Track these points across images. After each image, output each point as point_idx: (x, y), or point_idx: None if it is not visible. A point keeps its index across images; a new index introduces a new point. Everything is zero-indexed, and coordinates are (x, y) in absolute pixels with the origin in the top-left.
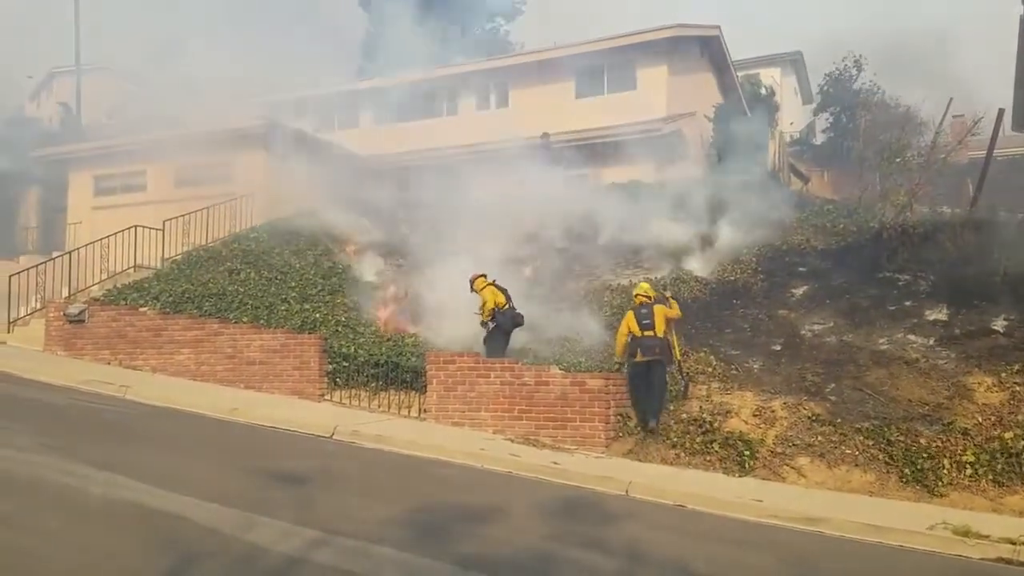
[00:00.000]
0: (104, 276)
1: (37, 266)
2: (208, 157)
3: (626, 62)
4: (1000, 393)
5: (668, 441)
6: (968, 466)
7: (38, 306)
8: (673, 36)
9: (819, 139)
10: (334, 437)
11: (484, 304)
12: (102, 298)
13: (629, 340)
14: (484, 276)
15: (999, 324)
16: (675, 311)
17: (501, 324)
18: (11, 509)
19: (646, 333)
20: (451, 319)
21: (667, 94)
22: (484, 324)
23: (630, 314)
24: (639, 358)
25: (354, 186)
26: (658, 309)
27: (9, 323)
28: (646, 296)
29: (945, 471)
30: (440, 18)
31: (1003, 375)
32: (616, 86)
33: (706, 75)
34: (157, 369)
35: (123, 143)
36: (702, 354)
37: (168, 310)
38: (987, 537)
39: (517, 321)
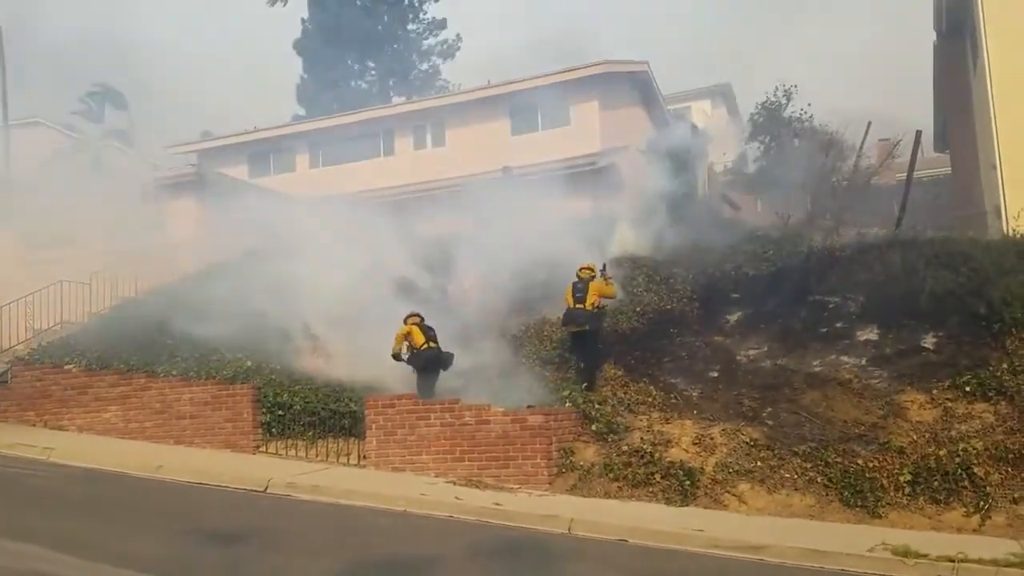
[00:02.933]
0: (29, 335)
1: None
2: (140, 207)
3: (559, 99)
4: (933, 410)
5: (610, 474)
6: (906, 485)
7: None
8: (603, 72)
9: (751, 168)
10: (268, 491)
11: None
12: (27, 357)
13: (565, 311)
14: (416, 315)
15: (928, 342)
16: (609, 289)
17: (412, 362)
18: None
19: (577, 306)
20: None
21: (600, 129)
22: (395, 356)
23: (569, 285)
24: (568, 328)
25: (289, 230)
26: (592, 285)
27: None
28: (589, 270)
29: (883, 491)
30: (376, 60)
31: (935, 392)
32: (550, 122)
33: (637, 109)
34: (83, 428)
35: (49, 196)
36: (642, 384)
37: (94, 366)
38: (926, 556)
39: (441, 363)
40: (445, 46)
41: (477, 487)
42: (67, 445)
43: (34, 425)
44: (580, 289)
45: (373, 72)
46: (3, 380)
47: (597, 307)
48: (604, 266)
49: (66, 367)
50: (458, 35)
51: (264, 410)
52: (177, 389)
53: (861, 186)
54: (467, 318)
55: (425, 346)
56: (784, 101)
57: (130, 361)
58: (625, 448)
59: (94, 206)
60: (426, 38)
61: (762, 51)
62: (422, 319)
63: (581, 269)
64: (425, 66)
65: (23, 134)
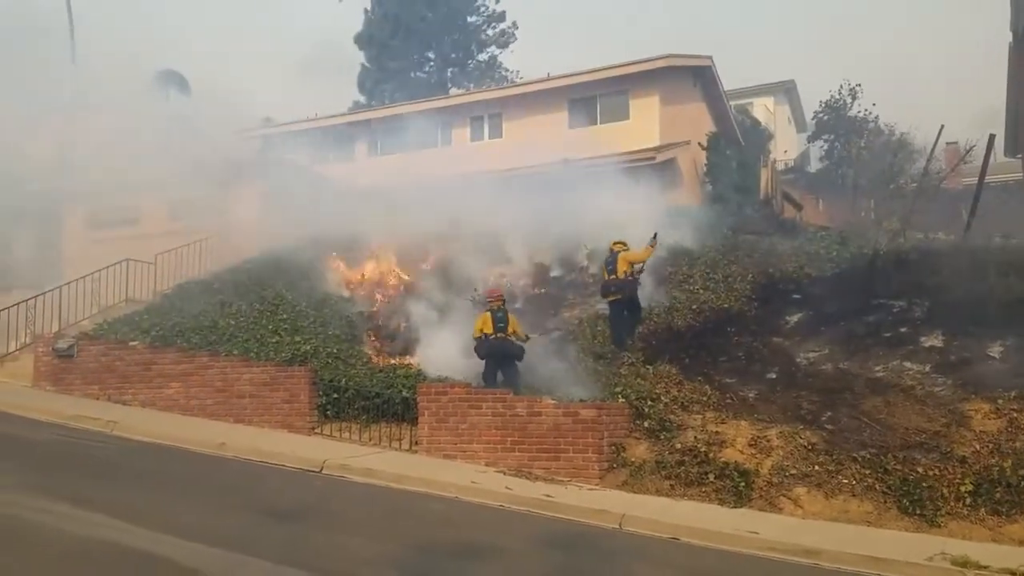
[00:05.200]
0: (95, 310)
1: (27, 300)
2: (202, 190)
3: (619, 92)
4: (997, 420)
5: (663, 472)
6: (967, 495)
7: (28, 341)
8: (665, 66)
9: (814, 167)
10: (323, 471)
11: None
12: (92, 332)
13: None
14: (495, 299)
15: (995, 350)
16: (638, 254)
17: (477, 351)
18: None
19: (609, 277)
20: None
21: (660, 123)
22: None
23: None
24: (605, 299)
25: (348, 217)
26: (621, 257)
27: None
28: (621, 244)
29: (943, 500)
30: (435, 50)
31: (1000, 402)
32: (609, 116)
33: (699, 104)
34: (146, 403)
35: (117, 178)
36: (696, 382)
37: (158, 343)
38: (986, 568)
39: (494, 350)
40: (503, 36)
41: (527, 478)
42: (130, 419)
43: (98, 399)
44: (610, 262)
45: (432, 63)
46: (69, 354)
47: (629, 275)
48: (655, 235)
49: (131, 343)
50: (514, 23)
51: (320, 392)
52: (238, 369)
53: (930, 190)
54: (518, 310)
55: (493, 336)
56: (849, 100)
57: (192, 340)
58: (678, 446)
59: (159, 188)
60: (485, 31)
61: (827, 48)
62: (501, 304)
63: (614, 244)
64: (484, 56)
65: (88, 114)
